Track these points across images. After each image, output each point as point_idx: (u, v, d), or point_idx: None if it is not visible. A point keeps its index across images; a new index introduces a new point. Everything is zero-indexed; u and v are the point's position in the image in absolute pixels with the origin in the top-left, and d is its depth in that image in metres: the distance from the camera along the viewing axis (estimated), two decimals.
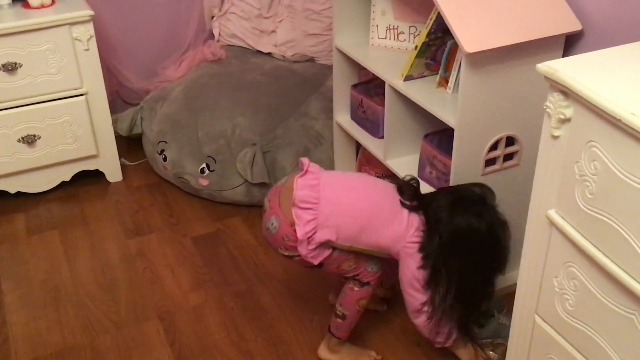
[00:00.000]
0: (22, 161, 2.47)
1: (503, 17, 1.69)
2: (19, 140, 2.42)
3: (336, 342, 1.85)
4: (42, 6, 2.35)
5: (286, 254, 1.71)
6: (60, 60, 2.36)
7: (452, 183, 1.84)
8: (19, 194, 2.56)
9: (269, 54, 2.98)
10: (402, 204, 1.69)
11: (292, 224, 1.64)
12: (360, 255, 1.72)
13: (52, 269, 2.23)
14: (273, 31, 2.97)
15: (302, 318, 2.03)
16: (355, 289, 1.77)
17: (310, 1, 2.82)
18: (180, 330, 1.99)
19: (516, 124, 1.82)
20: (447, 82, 1.88)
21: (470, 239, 1.65)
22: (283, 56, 2.95)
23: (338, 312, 1.81)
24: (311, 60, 2.94)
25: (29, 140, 2.43)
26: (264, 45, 2.99)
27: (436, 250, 1.64)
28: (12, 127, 2.40)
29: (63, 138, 2.49)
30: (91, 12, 2.34)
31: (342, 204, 1.67)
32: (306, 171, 1.69)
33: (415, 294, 1.70)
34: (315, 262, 1.68)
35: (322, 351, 1.88)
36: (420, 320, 1.74)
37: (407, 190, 1.72)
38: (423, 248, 1.65)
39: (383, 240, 1.68)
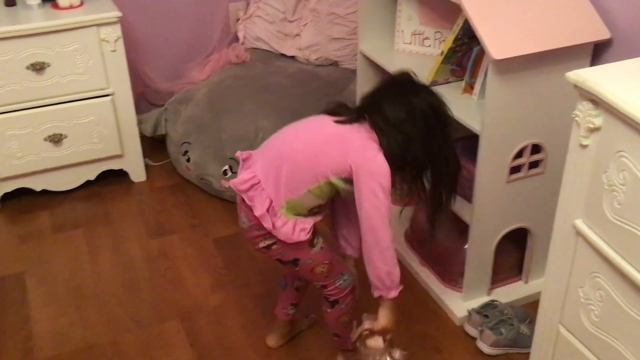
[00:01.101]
0: (48, 160, 2.50)
1: (531, 24, 1.68)
2: (45, 139, 2.46)
3: (350, 355, 1.85)
4: (71, 7, 2.38)
5: (263, 244, 1.63)
6: (87, 60, 2.39)
7: (476, 191, 1.83)
8: (44, 192, 2.59)
9: (293, 57, 3.00)
10: (339, 122, 1.57)
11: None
12: (333, 261, 1.69)
13: (76, 267, 2.26)
14: (297, 35, 2.98)
15: (322, 323, 2.02)
16: (328, 310, 1.75)
17: (335, 5, 2.83)
18: (201, 331, 2.00)
19: (542, 132, 1.80)
20: (472, 88, 1.87)
21: (417, 118, 1.52)
22: (307, 60, 2.96)
23: (331, 332, 1.82)
24: (335, 64, 2.95)
25: (55, 139, 2.47)
26: (288, 48, 3.00)
27: (393, 145, 1.52)
28: (38, 126, 2.44)
29: (89, 138, 2.52)
30: (119, 14, 2.37)
31: (273, 159, 1.59)
32: (242, 161, 1.66)
33: (380, 220, 1.56)
34: (294, 238, 1.57)
35: None
36: (388, 256, 1.59)
37: (338, 109, 1.61)
38: (381, 147, 1.52)
39: (334, 163, 1.53)
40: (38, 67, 2.33)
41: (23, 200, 2.57)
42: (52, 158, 2.50)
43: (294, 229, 1.59)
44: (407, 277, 2.20)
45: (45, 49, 2.33)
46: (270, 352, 1.93)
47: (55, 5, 2.39)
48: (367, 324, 1.64)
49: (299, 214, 1.60)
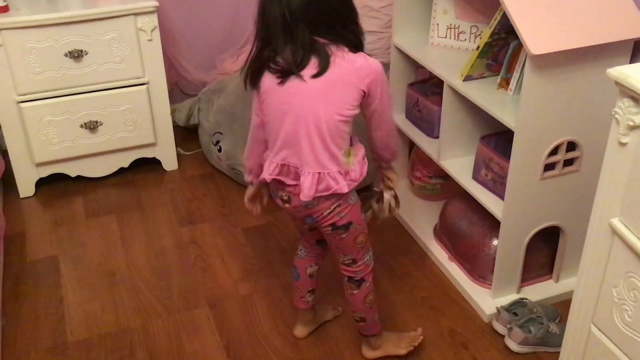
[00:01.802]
0: (83, 146, 2.55)
1: (570, 20, 1.65)
2: (81, 126, 2.50)
3: (374, 339, 1.86)
4: None
5: (339, 219, 1.62)
6: (124, 49, 2.43)
7: (509, 187, 1.81)
8: (79, 177, 2.64)
9: None
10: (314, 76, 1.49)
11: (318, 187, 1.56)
12: (367, 232, 1.72)
13: (108, 253, 2.30)
14: None
15: (348, 314, 2.03)
16: (355, 292, 1.76)
17: None
18: (230, 319, 2.02)
19: (578, 129, 1.78)
20: (508, 83, 1.85)
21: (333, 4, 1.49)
22: None
23: (356, 318, 1.82)
24: None
25: (91, 126, 2.51)
26: None
27: (352, 38, 1.52)
28: (75, 112, 2.48)
29: (123, 125, 2.56)
30: (156, 3, 2.39)
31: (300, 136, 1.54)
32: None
33: (391, 111, 1.68)
34: (365, 168, 1.61)
35: (366, 352, 1.89)
36: (396, 135, 1.75)
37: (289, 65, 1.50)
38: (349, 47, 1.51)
39: (350, 99, 1.52)
40: (76, 55, 2.38)
41: (58, 185, 2.62)
42: (87, 145, 2.55)
43: (361, 163, 1.62)
44: (436, 273, 2.20)
45: (84, 37, 2.37)
46: (297, 342, 1.94)
47: None
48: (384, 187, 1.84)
49: (349, 153, 1.61)
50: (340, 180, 1.58)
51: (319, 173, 1.56)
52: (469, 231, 2.10)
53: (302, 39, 1.48)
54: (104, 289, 2.14)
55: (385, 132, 1.68)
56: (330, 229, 1.66)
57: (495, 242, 2.01)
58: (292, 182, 1.60)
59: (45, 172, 2.58)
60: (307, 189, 1.56)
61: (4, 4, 2.30)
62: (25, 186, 2.57)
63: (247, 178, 1.79)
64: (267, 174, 1.62)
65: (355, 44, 1.55)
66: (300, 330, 1.96)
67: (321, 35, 1.50)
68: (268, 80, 1.54)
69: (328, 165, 1.56)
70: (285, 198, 1.64)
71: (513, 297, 2.01)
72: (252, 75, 1.57)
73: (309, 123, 1.52)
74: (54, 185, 2.62)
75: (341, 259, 1.75)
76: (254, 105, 1.64)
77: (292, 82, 1.51)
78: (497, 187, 1.92)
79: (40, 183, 2.60)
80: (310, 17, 1.48)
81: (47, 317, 2.02)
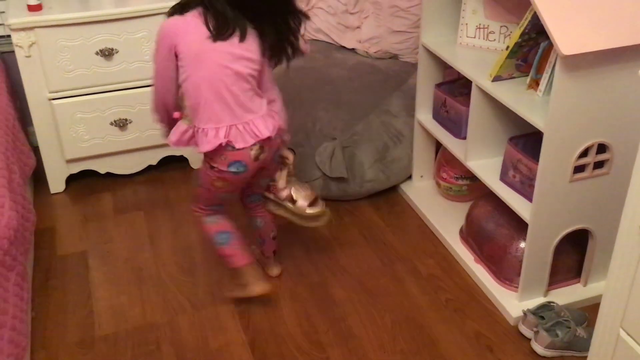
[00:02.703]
0: (113, 143, 2.58)
1: (602, 20, 1.63)
2: (111, 124, 2.54)
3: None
4: None
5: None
6: (153, 48, 2.45)
7: (537, 189, 1.79)
8: (108, 174, 2.68)
9: (353, 49, 2.99)
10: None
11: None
12: None
13: (136, 248, 2.33)
14: (358, 27, 2.97)
15: (373, 314, 2.03)
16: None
17: None
18: (254, 316, 2.03)
19: (609, 131, 1.75)
20: (538, 84, 1.83)
21: None
22: (366, 52, 2.95)
23: (274, 235, 2.14)
24: (395, 57, 2.93)
25: (121, 123, 2.54)
26: (348, 40, 3.00)
27: None
28: (105, 110, 2.52)
29: (152, 123, 2.56)
30: None
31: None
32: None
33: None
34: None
35: (275, 270, 2.18)
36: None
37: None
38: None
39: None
40: (107, 53, 2.41)
41: (87, 181, 2.66)
42: (117, 142, 2.58)
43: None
44: (462, 275, 2.18)
45: (114, 35, 2.40)
46: (321, 341, 1.94)
47: None
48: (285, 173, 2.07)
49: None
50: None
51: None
52: (496, 233, 2.08)
53: None
54: (132, 284, 2.16)
55: (278, 97, 1.99)
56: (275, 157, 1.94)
57: (522, 244, 1.99)
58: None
59: (76, 168, 2.62)
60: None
61: (38, 2, 2.34)
62: (56, 182, 2.61)
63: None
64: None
65: None
66: (262, 284, 2.01)
67: None
68: None
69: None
70: (258, 151, 1.80)
71: (540, 300, 1.99)
72: None
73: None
74: (84, 182, 2.66)
75: (267, 183, 2.01)
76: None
77: None
78: (525, 188, 1.90)
79: (70, 179, 2.65)
80: None
81: (75, 311, 2.06)
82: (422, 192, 2.54)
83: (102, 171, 2.66)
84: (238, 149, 1.78)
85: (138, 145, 2.62)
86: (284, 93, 2.68)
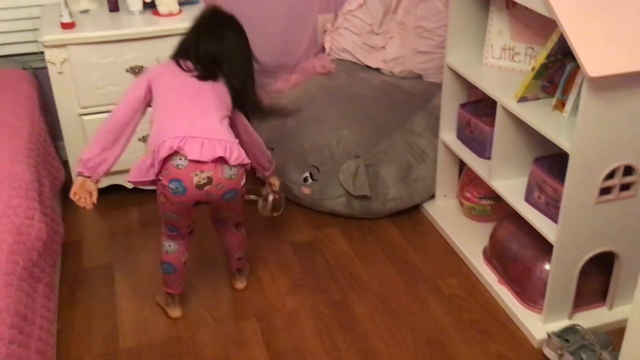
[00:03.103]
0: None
1: (629, 42, 1.63)
2: (139, 139, 2.58)
3: (246, 270, 2.26)
4: (170, 14, 2.51)
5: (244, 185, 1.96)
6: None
7: (563, 211, 1.79)
8: (135, 189, 2.69)
9: (377, 69, 3.02)
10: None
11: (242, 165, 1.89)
12: None
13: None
14: (383, 47, 3.00)
15: (395, 333, 2.03)
16: (242, 232, 2.16)
17: (423, 19, 2.83)
18: (276, 332, 2.04)
19: (636, 153, 1.75)
20: (563, 105, 1.83)
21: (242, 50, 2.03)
22: (391, 72, 2.97)
23: (239, 256, 2.18)
24: (419, 77, 2.95)
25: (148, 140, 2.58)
26: (373, 60, 3.03)
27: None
28: None
29: None
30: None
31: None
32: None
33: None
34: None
35: (241, 284, 2.23)
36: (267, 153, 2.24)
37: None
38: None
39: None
40: (137, 71, 2.46)
41: (115, 196, 2.70)
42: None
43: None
44: (485, 295, 2.17)
45: (144, 53, 2.45)
46: (342, 357, 1.94)
47: (156, 12, 2.52)
48: (270, 191, 2.35)
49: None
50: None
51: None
52: (520, 254, 2.07)
53: None
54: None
55: (258, 139, 2.20)
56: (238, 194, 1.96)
57: (547, 266, 1.98)
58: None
59: (104, 183, 2.66)
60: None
61: (71, 20, 2.41)
62: None
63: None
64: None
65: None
66: (179, 311, 2.10)
67: None
68: None
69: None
70: (204, 181, 1.82)
71: (564, 323, 1.97)
72: None
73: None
74: (111, 196, 2.70)
75: (231, 216, 2.09)
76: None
77: None
78: (551, 210, 1.89)
79: (98, 194, 2.67)
80: None
81: (100, 324, 2.08)
82: (445, 212, 2.54)
83: (130, 186, 2.69)
84: (181, 169, 1.80)
85: None
86: (308, 112, 2.72)
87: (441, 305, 2.14)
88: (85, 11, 2.59)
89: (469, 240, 2.37)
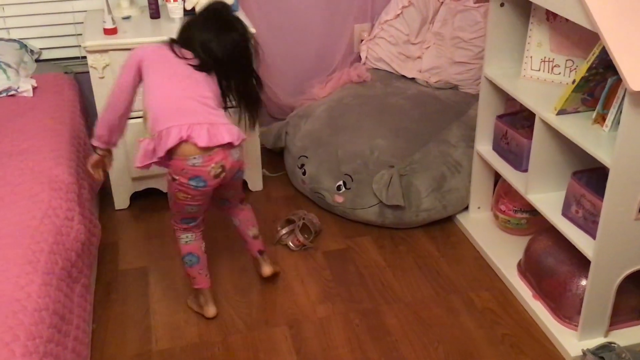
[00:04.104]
0: None
1: None
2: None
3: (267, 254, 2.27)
4: None
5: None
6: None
7: (601, 226, 1.76)
8: None
9: (413, 79, 3.02)
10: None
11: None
12: None
13: None
14: (419, 57, 3.00)
15: (427, 345, 2.02)
16: (248, 205, 2.23)
17: (460, 30, 2.82)
18: (307, 340, 2.04)
19: None
20: (604, 119, 1.81)
21: (243, 49, 2.00)
22: (426, 82, 2.96)
23: (255, 234, 2.22)
24: (455, 87, 2.94)
25: None
26: (409, 70, 3.02)
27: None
28: None
29: None
30: (253, 30, 2.48)
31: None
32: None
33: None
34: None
35: (268, 268, 2.23)
36: None
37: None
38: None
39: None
40: None
41: (151, 199, 2.74)
42: None
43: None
44: (519, 310, 2.14)
45: None
46: None
47: None
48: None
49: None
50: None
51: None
52: (556, 269, 2.04)
53: None
54: None
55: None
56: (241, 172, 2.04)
57: (583, 282, 1.94)
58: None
59: (140, 186, 2.71)
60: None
61: (113, 26, 2.46)
62: (121, 199, 2.71)
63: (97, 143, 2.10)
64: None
65: None
66: (213, 308, 2.11)
67: None
68: None
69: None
70: (219, 170, 1.89)
71: (600, 340, 1.93)
72: None
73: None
74: (147, 200, 2.74)
75: (236, 194, 2.14)
76: None
77: None
78: (589, 225, 1.86)
79: (135, 197, 2.74)
80: None
81: (134, 325, 2.11)
82: (479, 224, 2.52)
83: (165, 190, 2.73)
84: (197, 167, 1.86)
85: None
86: (343, 120, 2.73)
87: (473, 318, 2.12)
88: (127, 17, 2.64)
89: (503, 253, 2.34)
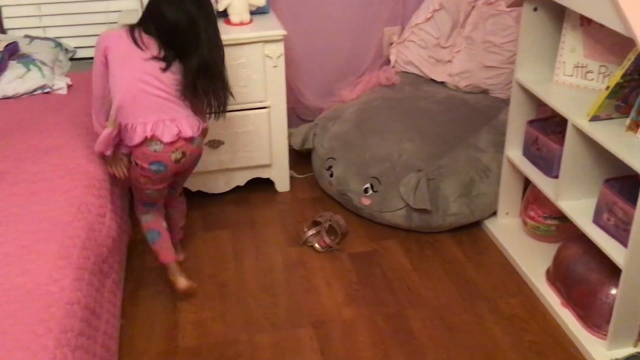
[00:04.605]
0: (206, 163, 2.67)
1: None
2: (205, 144, 2.64)
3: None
4: (241, 23, 2.57)
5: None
6: (250, 74, 2.55)
7: (633, 234, 1.73)
8: (198, 192, 2.78)
9: (442, 83, 3.00)
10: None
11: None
12: None
13: (221, 265, 2.40)
14: (449, 61, 2.98)
15: (451, 350, 2.01)
16: (184, 198, 2.36)
17: (491, 34, 2.80)
18: (332, 341, 2.05)
19: None
20: (638, 126, 1.78)
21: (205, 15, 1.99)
22: (456, 86, 2.95)
23: (182, 224, 2.37)
24: (485, 92, 2.92)
25: (215, 145, 2.65)
26: (438, 74, 3.01)
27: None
28: None
29: (243, 146, 2.68)
30: (284, 32, 2.51)
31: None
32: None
33: None
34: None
35: (182, 254, 2.38)
36: None
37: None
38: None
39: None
40: None
41: None
42: (209, 162, 2.68)
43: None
44: (546, 317, 2.12)
45: None
46: None
47: (228, 21, 2.58)
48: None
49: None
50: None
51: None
52: (586, 277, 2.01)
53: None
54: (215, 300, 2.23)
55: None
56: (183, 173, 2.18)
57: (613, 290, 1.92)
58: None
59: None
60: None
61: None
62: None
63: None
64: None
65: None
66: (182, 280, 2.18)
67: None
68: None
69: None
70: (180, 155, 2.02)
71: (629, 350, 1.90)
72: None
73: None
74: None
75: (183, 181, 2.27)
76: None
77: None
78: (620, 233, 1.83)
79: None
80: None
81: (161, 322, 2.14)
82: (507, 230, 2.50)
83: (194, 189, 2.77)
84: (159, 152, 1.99)
85: (228, 166, 2.71)
86: (372, 123, 2.73)
87: (500, 325, 2.10)
88: None
89: (532, 260, 2.32)
